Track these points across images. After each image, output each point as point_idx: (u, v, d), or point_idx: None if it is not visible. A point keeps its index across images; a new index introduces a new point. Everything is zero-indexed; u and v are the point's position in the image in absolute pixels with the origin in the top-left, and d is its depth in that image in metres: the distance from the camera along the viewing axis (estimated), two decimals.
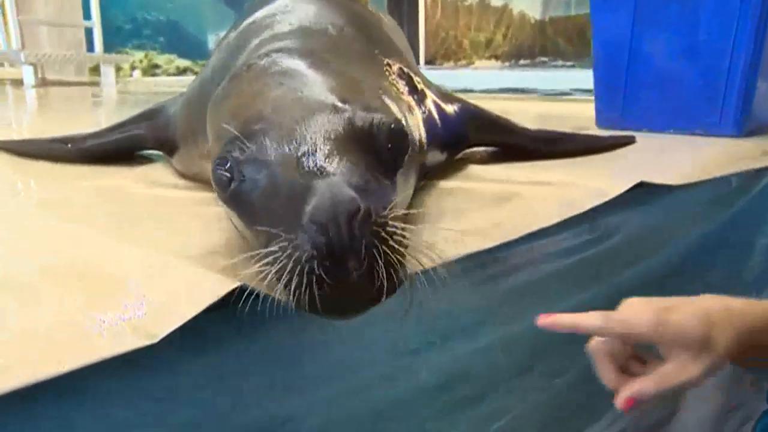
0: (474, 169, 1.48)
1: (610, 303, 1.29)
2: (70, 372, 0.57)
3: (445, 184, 1.32)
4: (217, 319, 0.70)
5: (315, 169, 0.70)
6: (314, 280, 0.62)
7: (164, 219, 1.07)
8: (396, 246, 0.65)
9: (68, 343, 0.60)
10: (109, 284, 0.73)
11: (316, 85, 0.89)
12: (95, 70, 6.27)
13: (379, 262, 0.63)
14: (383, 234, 0.65)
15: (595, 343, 0.85)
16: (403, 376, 0.90)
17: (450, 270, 0.82)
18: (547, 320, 0.84)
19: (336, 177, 0.69)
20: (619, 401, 0.79)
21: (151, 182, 1.35)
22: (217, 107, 1.01)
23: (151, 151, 1.61)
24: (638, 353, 0.85)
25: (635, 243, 1.33)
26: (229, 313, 0.71)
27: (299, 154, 0.72)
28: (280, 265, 0.64)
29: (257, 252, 0.67)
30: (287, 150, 0.74)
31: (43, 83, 5.14)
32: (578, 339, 1.25)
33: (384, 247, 0.64)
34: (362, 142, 0.77)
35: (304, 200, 0.65)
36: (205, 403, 0.73)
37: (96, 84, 5.72)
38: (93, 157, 1.55)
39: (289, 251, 0.64)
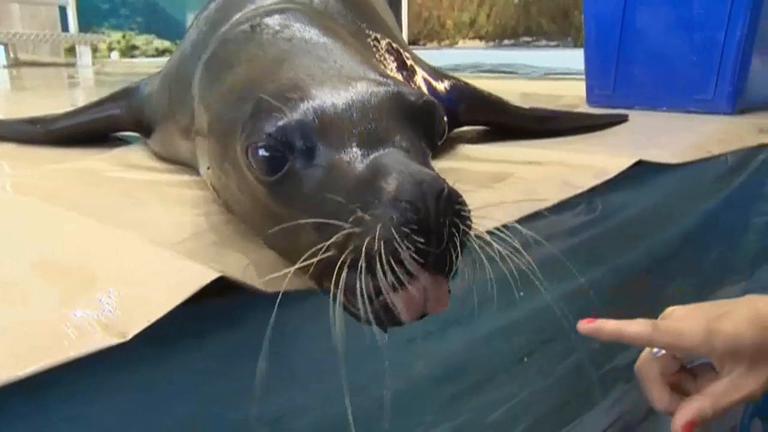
0: (465, 148, 1.43)
1: (611, 285, 1.26)
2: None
3: (435, 164, 1.26)
4: (199, 311, 0.65)
5: (379, 145, 0.63)
6: (398, 260, 0.55)
7: (141, 204, 1.00)
8: (467, 230, 0.59)
9: (31, 344, 0.54)
10: (81, 278, 0.67)
11: (342, 54, 0.81)
12: (71, 50, 6.10)
13: (458, 246, 0.58)
14: (463, 215, 0.59)
15: (644, 364, 0.80)
16: (399, 369, 0.85)
17: None
18: (588, 326, 0.80)
19: (404, 155, 0.62)
20: (677, 426, 0.73)
21: (127, 165, 1.28)
22: (215, 74, 0.91)
23: (125, 133, 1.53)
24: (687, 366, 0.80)
25: (632, 223, 1.29)
26: (212, 306, 0.66)
27: (356, 128, 0.65)
28: (357, 245, 0.56)
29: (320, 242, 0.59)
30: (341, 124, 0.65)
31: (15, 63, 4.99)
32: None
33: (464, 228, 0.58)
34: (411, 120, 0.70)
35: (375, 179, 0.59)
36: (189, 402, 0.68)
37: (72, 65, 5.56)
38: (63, 139, 1.47)
39: (361, 231, 0.56)
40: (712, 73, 1.86)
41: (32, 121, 1.53)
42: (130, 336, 0.55)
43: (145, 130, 1.35)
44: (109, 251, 0.76)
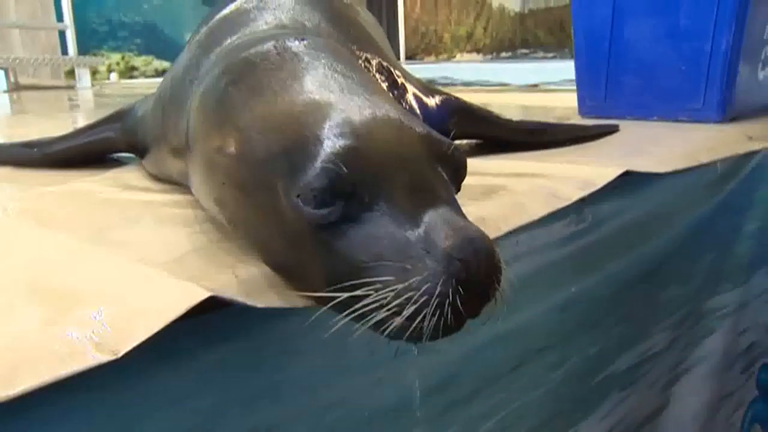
0: None
1: (601, 294, 1.27)
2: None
3: None
4: (192, 328, 0.66)
5: (426, 196, 0.67)
6: (449, 314, 0.61)
7: (135, 223, 1.02)
8: (501, 281, 0.65)
9: (23, 363, 0.55)
10: (73, 297, 0.68)
11: (374, 93, 0.82)
12: (71, 73, 6.16)
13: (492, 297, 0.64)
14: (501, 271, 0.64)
15: None
16: (390, 381, 0.86)
17: None
18: None
19: (449, 208, 0.66)
20: None
21: (122, 185, 1.30)
22: (241, 96, 0.86)
23: (121, 154, 1.55)
24: None
25: (624, 232, 1.30)
26: (204, 322, 0.67)
27: (404, 177, 0.68)
28: (407, 296, 0.61)
29: (364, 281, 0.63)
30: (391, 173, 0.68)
31: (16, 88, 5.04)
32: (570, 336, 1.22)
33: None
34: (443, 167, 0.73)
35: (427, 234, 0.63)
36: (180, 417, 0.69)
37: (72, 87, 5.61)
38: (60, 162, 1.49)
39: (418, 282, 0.61)
40: (701, 83, 1.88)
41: (29, 145, 1.55)
42: (121, 354, 0.57)
43: (140, 150, 1.37)
44: (101, 271, 0.77)
